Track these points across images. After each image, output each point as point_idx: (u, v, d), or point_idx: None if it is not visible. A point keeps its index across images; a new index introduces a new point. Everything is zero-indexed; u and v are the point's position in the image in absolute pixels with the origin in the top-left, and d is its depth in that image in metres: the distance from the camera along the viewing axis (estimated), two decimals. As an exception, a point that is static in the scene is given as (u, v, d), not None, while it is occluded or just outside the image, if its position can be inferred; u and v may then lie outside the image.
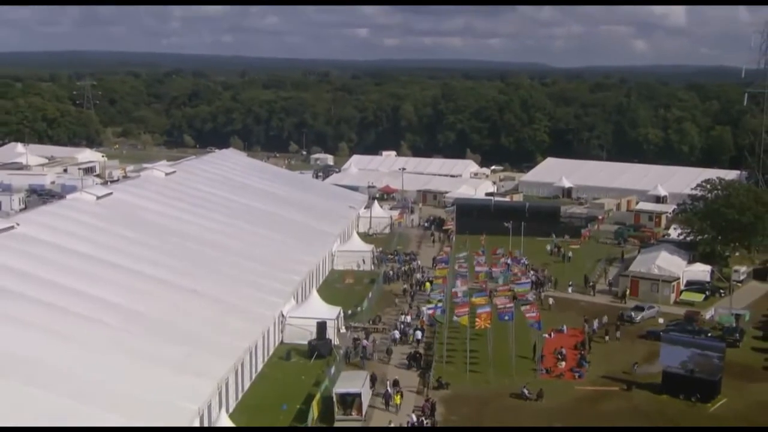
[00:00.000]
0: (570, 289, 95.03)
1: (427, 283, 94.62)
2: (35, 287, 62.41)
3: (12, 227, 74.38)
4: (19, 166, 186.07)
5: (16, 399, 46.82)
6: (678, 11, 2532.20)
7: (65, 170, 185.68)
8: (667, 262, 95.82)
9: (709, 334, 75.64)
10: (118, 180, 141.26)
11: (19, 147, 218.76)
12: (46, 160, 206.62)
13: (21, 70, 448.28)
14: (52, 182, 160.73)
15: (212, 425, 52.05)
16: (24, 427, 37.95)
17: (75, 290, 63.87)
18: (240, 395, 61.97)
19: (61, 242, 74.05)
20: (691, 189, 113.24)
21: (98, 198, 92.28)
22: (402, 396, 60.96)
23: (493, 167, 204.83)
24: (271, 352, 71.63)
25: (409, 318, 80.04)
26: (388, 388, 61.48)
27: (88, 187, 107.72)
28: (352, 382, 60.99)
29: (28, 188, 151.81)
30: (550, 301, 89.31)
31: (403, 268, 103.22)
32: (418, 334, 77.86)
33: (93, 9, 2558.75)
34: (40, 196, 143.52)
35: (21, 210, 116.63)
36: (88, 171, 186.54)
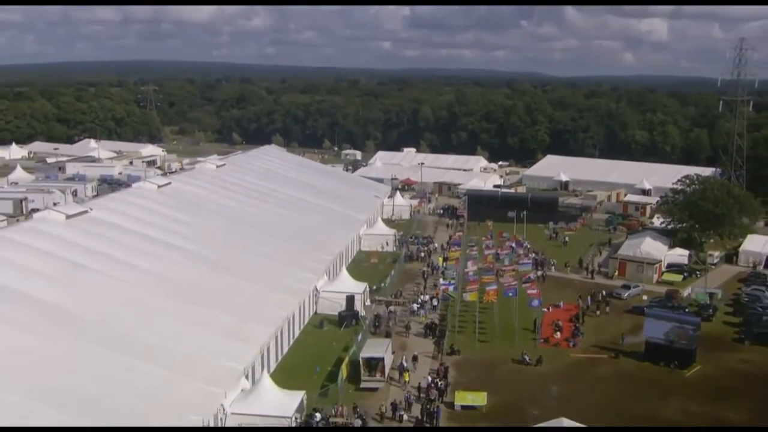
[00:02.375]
0: (553, 268, 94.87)
1: (440, 258, 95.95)
2: (106, 263, 63.01)
3: (86, 211, 75.14)
4: (92, 159, 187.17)
5: (93, 358, 47.37)
6: (661, 28, 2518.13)
7: (131, 163, 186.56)
8: (651, 247, 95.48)
9: (687, 310, 75.46)
10: (175, 171, 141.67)
11: (92, 143, 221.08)
12: (115, 154, 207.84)
13: (94, 77, 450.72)
14: (120, 173, 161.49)
15: (256, 383, 52.32)
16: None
17: (139, 266, 64.42)
18: (279, 358, 62.37)
19: (128, 224, 74.62)
20: (673, 183, 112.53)
21: (159, 187, 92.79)
22: (410, 374, 59.83)
23: (500, 163, 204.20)
24: (306, 321, 71.97)
25: (427, 297, 79.87)
26: (404, 362, 61.02)
27: (150, 178, 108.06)
28: (376, 348, 61.15)
29: (100, 178, 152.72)
30: (536, 275, 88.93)
31: (421, 249, 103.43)
32: (434, 301, 78.98)
33: (156, 25, 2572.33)
34: (109, 185, 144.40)
35: (93, 197, 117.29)
36: (151, 163, 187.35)
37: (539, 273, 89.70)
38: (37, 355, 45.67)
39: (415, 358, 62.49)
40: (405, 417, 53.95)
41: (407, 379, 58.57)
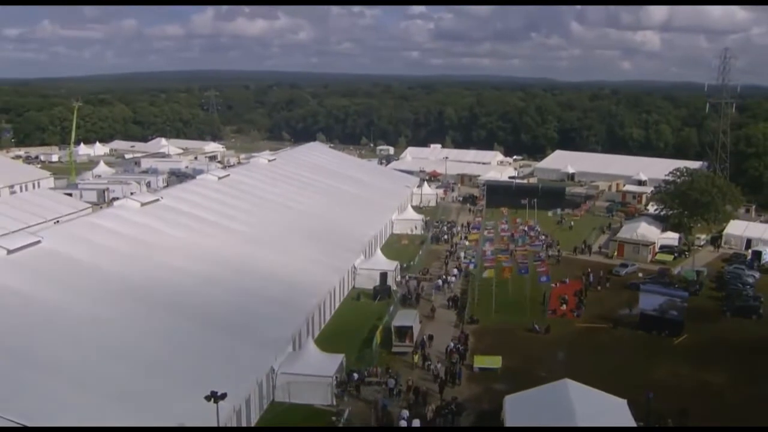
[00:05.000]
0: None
1: (458, 236, 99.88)
2: (174, 243, 63.83)
3: (158, 200, 76.07)
4: (163, 155, 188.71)
5: (163, 325, 47.98)
6: (654, 39, 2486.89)
7: (195, 158, 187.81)
8: (646, 231, 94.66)
9: (676, 286, 74.78)
10: (233, 165, 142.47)
11: (163, 141, 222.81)
12: (182, 151, 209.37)
13: (164, 84, 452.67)
14: (186, 167, 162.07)
15: (301, 347, 52.70)
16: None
17: (203, 245, 65.13)
18: (322, 326, 62.75)
19: (193, 211, 75.35)
20: (665, 175, 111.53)
21: (219, 178, 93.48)
22: (419, 355, 57.35)
23: (514, 157, 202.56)
24: (345, 294, 72.25)
25: (453, 278, 78.81)
26: (424, 338, 60.28)
27: (212, 171, 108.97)
28: (406, 318, 61.33)
29: (169, 171, 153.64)
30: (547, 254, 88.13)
31: (444, 230, 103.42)
32: (455, 270, 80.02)
33: (216, 39, 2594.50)
34: (177, 177, 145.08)
35: (164, 187, 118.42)
36: (212, 158, 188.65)
37: (553, 254, 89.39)
38: (118, 322, 46.35)
39: (431, 338, 60.65)
40: (432, 366, 54.52)
41: (416, 360, 56.66)
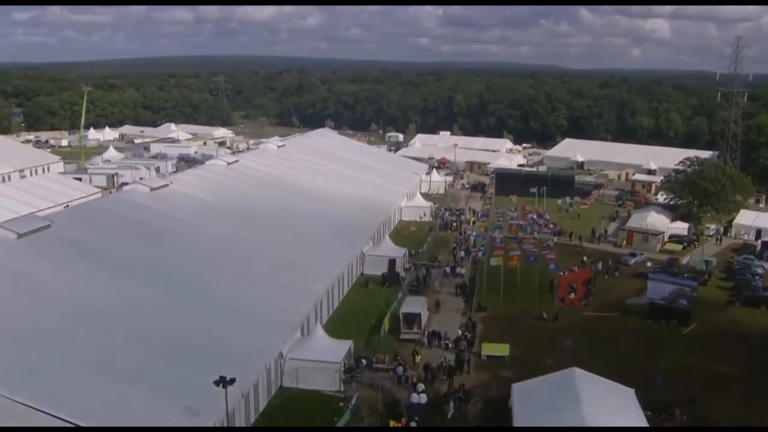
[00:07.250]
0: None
1: (471, 219, 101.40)
2: (183, 228, 64.01)
3: (167, 185, 76.20)
4: (172, 140, 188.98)
5: (174, 309, 48.08)
6: (664, 27, 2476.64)
7: (204, 143, 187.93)
8: (655, 220, 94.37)
9: (685, 275, 74.64)
10: (243, 151, 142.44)
11: (172, 126, 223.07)
12: (191, 136, 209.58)
13: (174, 69, 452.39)
14: (195, 152, 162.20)
15: (310, 333, 52.79)
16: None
17: (211, 231, 65.29)
18: (331, 311, 62.77)
19: (202, 196, 75.58)
20: (675, 165, 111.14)
21: (228, 164, 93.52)
22: (420, 355, 54.80)
23: (523, 145, 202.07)
24: (354, 280, 72.19)
25: (463, 269, 78.30)
26: (428, 332, 59.08)
27: (221, 156, 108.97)
28: (414, 305, 61.30)
29: (178, 156, 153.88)
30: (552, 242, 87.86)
31: (452, 218, 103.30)
32: (462, 253, 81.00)
33: (224, 24, 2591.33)
34: (186, 162, 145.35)
35: (173, 172, 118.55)
36: (221, 144, 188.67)
37: (575, 244, 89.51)
38: (126, 307, 46.44)
39: (434, 333, 58.68)
40: (450, 345, 55.22)
41: (418, 360, 54.18)
